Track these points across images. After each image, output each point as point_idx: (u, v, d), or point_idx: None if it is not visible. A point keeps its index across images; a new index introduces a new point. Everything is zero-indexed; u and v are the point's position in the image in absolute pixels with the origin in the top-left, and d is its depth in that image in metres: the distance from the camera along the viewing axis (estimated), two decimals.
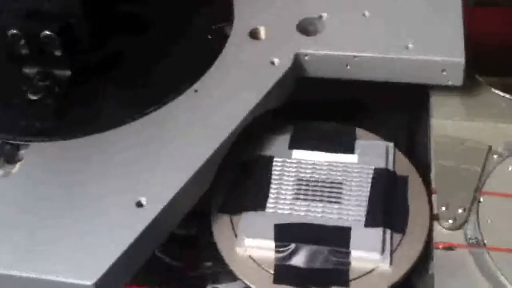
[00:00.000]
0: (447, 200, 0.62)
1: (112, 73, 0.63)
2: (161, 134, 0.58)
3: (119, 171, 0.55)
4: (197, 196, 0.57)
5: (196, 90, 0.61)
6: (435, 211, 0.61)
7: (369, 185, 0.62)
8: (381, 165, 0.64)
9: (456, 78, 0.66)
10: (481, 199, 0.63)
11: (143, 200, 0.52)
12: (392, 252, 0.58)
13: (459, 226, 0.60)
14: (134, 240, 0.50)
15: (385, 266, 0.57)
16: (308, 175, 0.64)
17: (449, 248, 0.59)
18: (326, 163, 0.65)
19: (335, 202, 0.62)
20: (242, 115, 0.58)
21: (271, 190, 0.63)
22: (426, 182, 0.64)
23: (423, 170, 0.65)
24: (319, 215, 0.61)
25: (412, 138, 0.77)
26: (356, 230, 0.59)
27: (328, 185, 0.63)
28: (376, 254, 0.57)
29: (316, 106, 0.76)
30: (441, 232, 0.60)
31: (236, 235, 0.60)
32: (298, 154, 0.66)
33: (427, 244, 0.59)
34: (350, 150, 0.66)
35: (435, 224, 0.61)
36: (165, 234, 0.54)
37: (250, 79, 0.62)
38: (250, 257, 0.59)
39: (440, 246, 0.59)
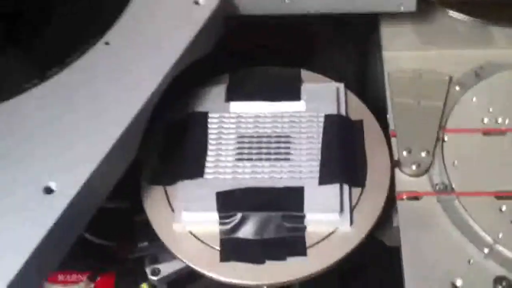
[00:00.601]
0: (408, 143, 0.57)
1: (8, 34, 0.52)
2: (69, 101, 0.49)
3: (21, 151, 0.46)
4: (121, 170, 0.50)
5: (107, 43, 0.50)
6: (395, 157, 0.56)
7: (321, 135, 0.56)
8: (332, 110, 0.58)
9: (409, 2, 0.58)
10: (446, 138, 0.57)
11: (53, 185, 0.45)
12: (351, 210, 0.53)
13: (423, 171, 0.56)
14: (46, 233, 0.43)
15: (345, 227, 0.52)
16: (251, 131, 0.58)
17: (414, 197, 0.54)
18: (269, 115, 0.58)
19: (283, 160, 0.56)
20: (165, 69, 0.50)
21: (209, 153, 0.56)
22: (383, 125, 0.59)
23: (379, 111, 0.60)
24: (267, 176, 0.55)
25: (363, 77, 0.69)
26: (309, 190, 0.53)
27: (274, 140, 0.57)
28: (334, 215, 0.52)
29: (252, 53, 0.67)
30: (404, 181, 0.56)
31: (172, 210, 0.53)
32: (237, 107, 0.59)
33: (390, 195, 0.54)
34: (296, 96, 0.59)
35: (397, 172, 0.56)
36: (86, 218, 0.47)
37: (171, 24, 0.53)
38: (190, 233, 0.52)
39: (404, 197, 0.54)
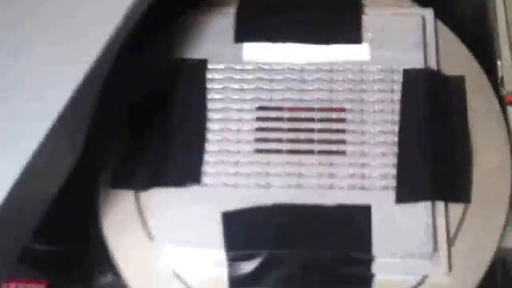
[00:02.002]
0: None
1: None
2: None
3: None
4: (62, 174, 0.34)
5: None
6: None
7: (397, 107, 0.36)
8: (416, 60, 0.37)
9: None
10: None
11: None
12: (450, 246, 0.34)
13: None
14: None
15: (440, 275, 0.34)
16: (279, 97, 0.37)
17: None
18: (310, 69, 0.38)
19: (336, 153, 0.36)
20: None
21: (209, 137, 0.36)
22: (494, 82, 0.38)
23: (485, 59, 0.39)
24: (308, 182, 0.35)
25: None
26: (381, 210, 0.34)
27: (320, 116, 0.37)
28: (422, 258, 0.34)
29: None
30: None
31: (150, 236, 0.35)
32: (254, 52, 0.38)
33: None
34: (353, 36, 0.38)
35: None
36: (25, 228, 0.34)
37: None
38: (176, 276, 0.34)
39: None
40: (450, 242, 0.34)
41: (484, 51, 0.40)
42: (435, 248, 0.33)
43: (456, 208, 0.35)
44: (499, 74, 0.39)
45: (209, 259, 0.34)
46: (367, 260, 0.33)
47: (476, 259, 0.34)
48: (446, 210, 0.35)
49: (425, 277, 0.33)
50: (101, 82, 0.34)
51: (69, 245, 0.42)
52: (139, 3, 0.32)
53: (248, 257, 0.33)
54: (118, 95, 0.37)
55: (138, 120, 0.37)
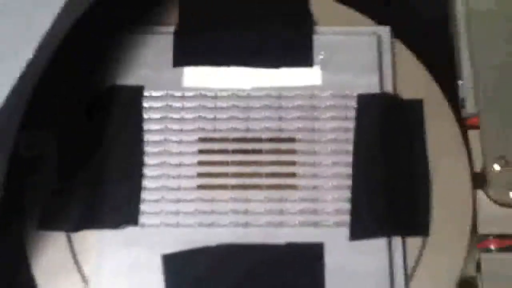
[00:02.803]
0: (502, 144, 0.35)
1: None
2: None
3: None
4: None
5: None
6: (477, 169, 0.35)
7: (351, 135, 0.34)
8: (371, 84, 0.35)
9: None
10: None
11: None
12: (408, 286, 0.32)
13: None
14: None
15: None
16: (224, 127, 0.35)
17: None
18: (258, 95, 0.35)
19: (287, 187, 0.33)
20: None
21: (147, 173, 0.33)
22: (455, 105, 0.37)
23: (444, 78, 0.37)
24: (256, 220, 0.32)
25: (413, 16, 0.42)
26: (334, 248, 0.32)
27: (269, 147, 0.34)
28: None
29: None
30: (493, 214, 0.34)
31: (86, 282, 0.32)
32: (195, 77, 0.35)
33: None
34: (304, 58, 0.35)
35: (480, 195, 0.35)
36: None
37: None
38: None
39: (492, 246, 0.34)
40: (408, 279, 0.31)
41: (444, 71, 0.39)
42: (392, 285, 0.31)
43: (414, 243, 0.33)
44: (460, 95, 0.37)
45: None
46: None
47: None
48: (404, 246, 0.32)
49: None
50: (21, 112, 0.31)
51: None
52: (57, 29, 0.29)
53: None
54: (43, 125, 0.33)
55: (68, 153, 0.33)
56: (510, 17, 0.39)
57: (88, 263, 0.32)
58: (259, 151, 0.33)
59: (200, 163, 0.33)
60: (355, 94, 0.34)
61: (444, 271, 0.32)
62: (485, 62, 0.37)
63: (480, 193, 0.34)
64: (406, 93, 0.35)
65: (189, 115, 0.34)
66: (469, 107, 0.36)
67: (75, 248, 0.32)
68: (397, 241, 0.32)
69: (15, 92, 0.27)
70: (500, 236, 0.35)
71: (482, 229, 0.34)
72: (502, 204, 0.34)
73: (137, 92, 0.34)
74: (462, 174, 0.34)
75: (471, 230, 0.34)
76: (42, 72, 0.30)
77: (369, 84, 0.34)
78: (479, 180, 0.35)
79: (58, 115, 0.34)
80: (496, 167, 0.34)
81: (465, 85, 0.37)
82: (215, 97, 0.34)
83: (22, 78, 0.27)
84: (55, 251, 0.33)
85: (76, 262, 0.32)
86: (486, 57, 0.37)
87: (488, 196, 0.34)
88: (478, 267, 0.34)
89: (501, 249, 0.34)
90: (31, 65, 0.27)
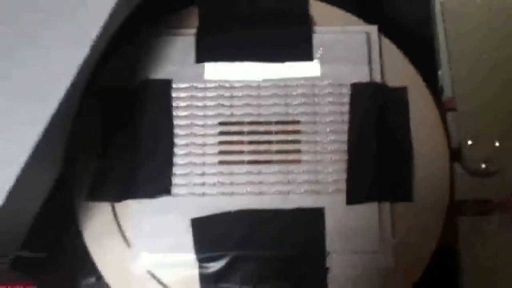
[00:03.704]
0: (474, 124, 0.40)
1: None
2: None
3: None
4: (44, 192, 0.35)
5: None
6: (454, 144, 0.40)
7: (346, 118, 0.39)
8: (362, 74, 0.40)
9: None
10: None
11: None
12: (394, 242, 0.37)
13: (493, 170, 0.39)
14: None
15: (386, 266, 0.37)
16: (239, 113, 0.40)
17: (483, 211, 0.38)
18: (267, 85, 0.40)
19: (292, 162, 0.39)
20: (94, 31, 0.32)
21: (176, 151, 0.39)
22: (434, 90, 0.42)
23: (426, 69, 0.42)
24: (267, 189, 0.38)
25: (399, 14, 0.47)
26: (333, 212, 0.37)
27: (276, 128, 0.39)
28: (371, 251, 0.37)
29: None
30: (468, 183, 0.39)
31: (127, 243, 0.38)
32: (215, 71, 0.40)
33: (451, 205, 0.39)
34: (306, 53, 0.40)
35: (457, 167, 0.40)
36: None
37: None
38: (152, 276, 0.37)
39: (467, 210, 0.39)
40: (395, 236, 0.37)
41: (426, 62, 0.43)
42: (382, 243, 0.36)
43: (400, 207, 0.38)
44: (439, 83, 0.43)
45: (181, 261, 0.37)
46: (321, 254, 0.36)
47: (419, 250, 0.37)
48: (391, 209, 0.38)
49: (372, 269, 0.37)
50: (78, 101, 0.35)
51: (54, 252, 0.45)
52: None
53: (216, 258, 0.36)
54: (90, 112, 0.39)
55: (110, 136, 0.39)
56: (480, 16, 0.45)
57: (130, 228, 0.38)
58: (269, 132, 0.39)
59: (221, 142, 0.39)
60: (349, 83, 0.40)
61: (426, 228, 0.38)
62: (460, 53, 0.43)
63: (457, 165, 0.40)
64: (392, 82, 0.41)
65: (210, 103, 0.39)
66: (447, 92, 0.42)
67: (118, 216, 0.38)
68: (385, 205, 0.38)
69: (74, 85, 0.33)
70: (475, 202, 0.41)
71: (458, 196, 0.39)
72: (476, 174, 0.39)
73: (166, 85, 0.40)
74: (441, 149, 0.40)
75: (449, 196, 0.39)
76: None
77: (361, 75, 0.40)
78: (456, 155, 0.40)
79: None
80: (470, 142, 0.40)
81: (444, 73, 0.44)
82: (231, 88, 0.40)
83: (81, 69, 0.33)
84: (101, 218, 0.39)
85: (119, 227, 0.38)
86: (461, 49, 0.43)
87: (464, 168, 0.39)
88: (456, 231, 0.41)
89: (475, 212, 0.39)
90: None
